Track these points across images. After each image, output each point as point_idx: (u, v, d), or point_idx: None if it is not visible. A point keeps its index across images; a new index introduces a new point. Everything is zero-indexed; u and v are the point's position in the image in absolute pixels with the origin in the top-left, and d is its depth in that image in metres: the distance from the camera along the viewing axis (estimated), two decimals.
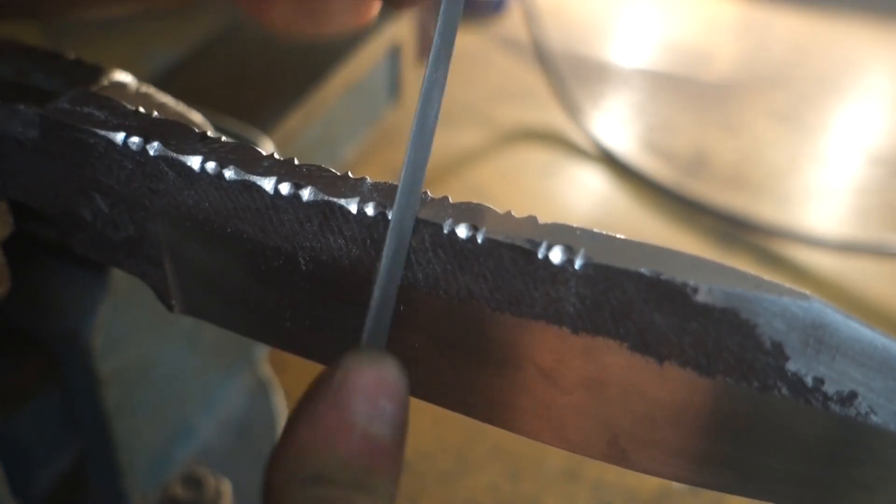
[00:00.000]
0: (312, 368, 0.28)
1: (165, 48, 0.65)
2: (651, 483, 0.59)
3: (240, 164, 0.25)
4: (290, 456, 0.21)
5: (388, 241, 0.23)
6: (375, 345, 0.23)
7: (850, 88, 1.09)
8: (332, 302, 0.25)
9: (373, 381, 0.22)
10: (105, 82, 0.31)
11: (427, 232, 0.23)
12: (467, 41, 1.05)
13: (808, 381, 0.20)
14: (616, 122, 0.98)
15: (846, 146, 0.97)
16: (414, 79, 0.83)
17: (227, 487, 0.50)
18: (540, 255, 0.22)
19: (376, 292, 0.23)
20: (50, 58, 0.32)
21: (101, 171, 0.27)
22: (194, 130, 0.26)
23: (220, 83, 0.63)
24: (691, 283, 0.20)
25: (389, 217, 0.23)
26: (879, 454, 0.20)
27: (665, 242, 0.21)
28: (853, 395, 0.20)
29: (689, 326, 0.21)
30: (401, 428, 0.22)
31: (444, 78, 0.24)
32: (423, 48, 0.31)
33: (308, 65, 0.68)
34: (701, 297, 0.20)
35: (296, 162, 0.25)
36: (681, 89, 1.05)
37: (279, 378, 0.58)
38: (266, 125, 0.58)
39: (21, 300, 0.33)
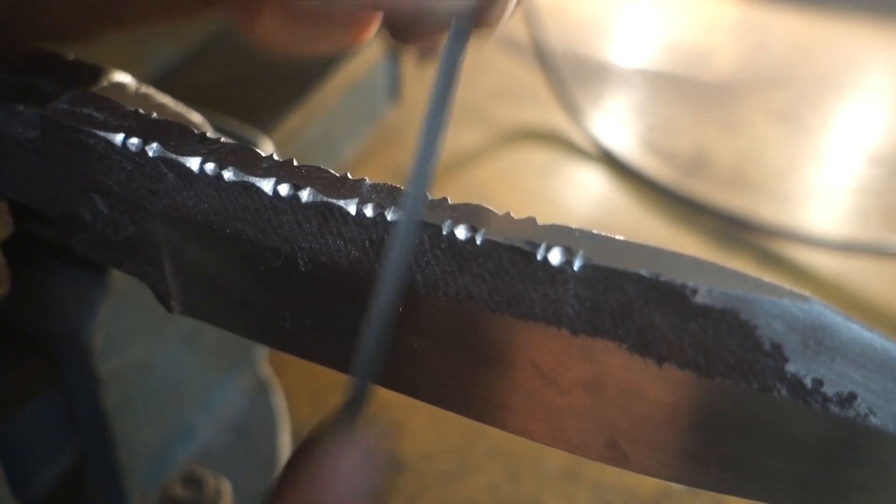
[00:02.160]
0: (312, 368, 0.28)
1: (165, 48, 0.65)
2: (651, 483, 0.59)
3: (239, 166, 0.25)
4: None
5: (383, 281, 0.22)
6: (359, 402, 0.23)
7: (850, 88, 1.09)
8: (331, 303, 0.25)
9: (357, 460, 0.21)
10: (104, 83, 0.31)
11: (426, 233, 0.23)
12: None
13: (808, 382, 0.20)
14: (616, 122, 0.98)
15: (846, 146, 0.97)
16: (414, 79, 0.83)
17: (227, 487, 0.50)
18: (539, 257, 0.22)
19: (371, 327, 0.22)
20: (49, 58, 0.32)
21: (100, 172, 0.27)
22: (194, 131, 0.26)
23: (220, 83, 0.63)
24: (691, 284, 0.20)
25: (388, 217, 0.23)
26: (879, 456, 0.20)
27: (665, 242, 0.21)
28: (852, 397, 0.20)
29: (688, 328, 0.21)
30: (384, 484, 0.22)
31: (453, 88, 0.24)
32: (423, 50, 0.31)
33: (308, 65, 0.68)
34: (700, 299, 0.20)
35: (295, 163, 0.25)
36: (681, 89, 1.05)
37: (279, 378, 0.58)
38: (266, 125, 0.58)
39: (21, 300, 0.33)
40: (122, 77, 0.32)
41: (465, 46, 0.24)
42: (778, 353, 0.20)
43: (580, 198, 0.89)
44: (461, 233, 0.22)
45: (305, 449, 0.22)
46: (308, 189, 0.24)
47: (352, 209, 0.24)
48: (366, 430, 0.22)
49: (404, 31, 0.26)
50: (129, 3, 0.28)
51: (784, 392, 0.20)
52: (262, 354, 0.57)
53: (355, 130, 0.77)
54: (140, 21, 0.31)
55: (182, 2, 0.28)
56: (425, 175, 0.23)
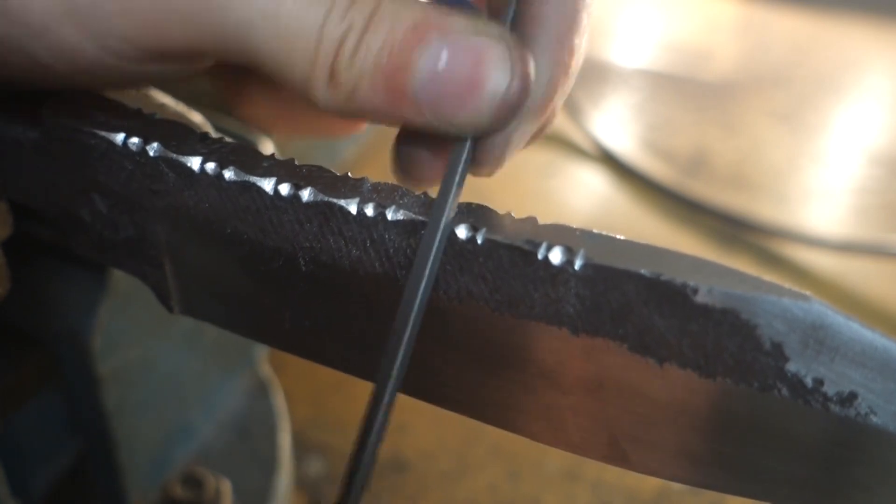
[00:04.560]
0: (312, 368, 0.28)
1: None
2: (651, 483, 0.59)
3: (239, 165, 0.25)
4: None
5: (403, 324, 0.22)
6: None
7: (850, 88, 1.09)
8: (331, 302, 0.25)
9: None
10: None
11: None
12: None
13: (808, 381, 0.20)
14: (616, 122, 0.98)
15: (846, 146, 0.97)
16: None
17: (227, 487, 0.50)
18: (539, 256, 0.22)
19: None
20: None
21: (101, 172, 0.27)
22: (194, 131, 0.26)
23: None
24: (691, 284, 0.20)
25: (388, 216, 0.23)
26: (879, 455, 0.20)
27: (665, 242, 0.21)
28: (853, 396, 0.20)
29: (688, 327, 0.21)
30: None
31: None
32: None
33: None
34: (701, 298, 0.20)
35: (296, 163, 0.25)
36: (681, 89, 1.05)
37: (279, 378, 0.58)
38: None
39: (21, 300, 0.33)
40: None
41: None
42: (778, 353, 0.20)
43: (580, 198, 0.89)
44: (462, 232, 0.22)
45: None
46: (309, 189, 0.24)
47: (353, 209, 0.24)
48: None
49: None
50: (127, 81, 0.28)
51: (784, 391, 0.20)
52: (262, 354, 0.57)
53: None
54: (136, 86, 0.31)
55: (170, 81, 0.28)
56: (453, 191, 0.23)
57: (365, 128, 0.34)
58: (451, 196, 0.23)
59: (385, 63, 0.23)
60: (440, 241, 0.22)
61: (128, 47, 0.24)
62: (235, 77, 0.32)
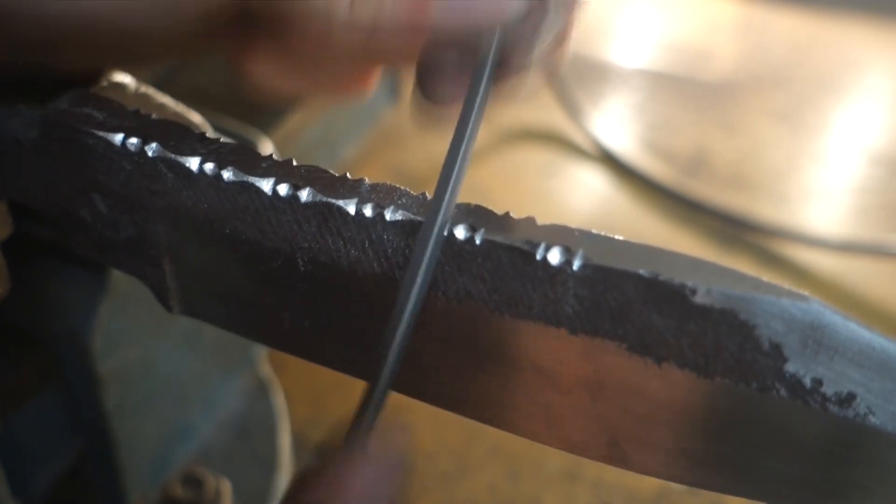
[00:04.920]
0: (312, 368, 0.28)
1: None
2: (651, 483, 0.59)
3: (238, 165, 0.25)
4: None
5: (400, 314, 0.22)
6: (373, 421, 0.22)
7: (850, 88, 1.09)
8: (330, 303, 0.25)
9: (372, 477, 0.21)
10: (104, 83, 0.31)
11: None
12: None
13: (807, 382, 0.20)
14: (616, 122, 0.98)
15: (846, 146, 0.97)
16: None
17: (227, 487, 0.50)
18: (538, 257, 0.22)
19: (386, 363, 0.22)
20: None
21: (100, 172, 0.27)
22: (193, 131, 0.26)
23: (220, 83, 0.63)
24: (690, 284, 0.20)
25: (387, 217, 0.23)
26: (878, 455, 0.20)
27: (665, 242, 0.21)
28: (851, 397, 0.20)
29: (687, 327, 0.21)
30: (405, 487, 0.21)
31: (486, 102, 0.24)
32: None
33: None
34: (699, 299, 0.20)
35: (294, 163, 0.25)
36: (681, 89, 1.05)
37: (279, 378, 0.58)
38: (266, 125, 0.58)
39: (21, 300, 0.33)
40: (122, 77, 0.32)
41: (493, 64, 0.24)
42: (777, 353, 0.20)
43: (580, 198, 0.89)
44: (461, 232, 0.23)
45: (316, 467, 0.21)
46: (307, 189, 0.24)
47: (351, 209, 0.24)
48: (380, 442, 0.22)
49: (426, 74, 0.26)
50: (134, 48, 0.28)
51: (783, 392, 0.20)
52: (262, 354, 0.57)
53: (355, 130, 0.77)
54: (142, 61, 0.31)
55: (181, 44, 0.28)
56: (451, 189, 0.23)
57: (373, 86, 0.33)
58: (472, 119, 0.23)
59: None
60: (460, 166, 0.23)
61: None
62: (244, 39, 0.32)
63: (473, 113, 0.23)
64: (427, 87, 0.27)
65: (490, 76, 0.24)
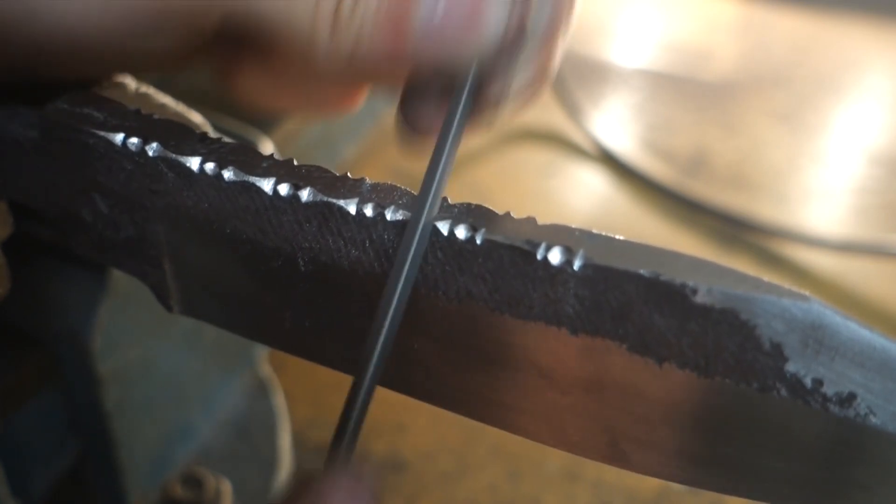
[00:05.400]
0: (312, 368, 0.28)
1: None
2: (651, 483, 0.59)
3: (239, 165, 0.25)
4: None
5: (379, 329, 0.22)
6: (352, 446, 0.23)
7: (850, 88, 1.09)
8: (331, 303, 0.25)
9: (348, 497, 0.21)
10: (105, 82, 0.31)
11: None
12: None
13: (807, 382, 0.20)
14: (616, 122, 0.98)
15: (846, 146, 0.97)
16: None
17: (227, 487, 0.50)
18: (539, 256, 0.22)
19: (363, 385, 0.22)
20: None
21: (100, 172, 0.27)
22: (194, 131, 0.26)
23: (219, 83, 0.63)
24: (690, 284, 0.20)
25: (387, 216, 0.23)
26: (878, 455, 0.20)
27: (665, 242, 0.21)
28: (852, 397, 0.20)
29: (688, 327, 0.21)
30: None
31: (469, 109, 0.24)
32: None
33: None
34: (700, 299, 0.20)
35: (295, 163, 0.25)
36: (681, 89, 1.05)
37: (279, 378, 0.58)
38: (266, 125, 0.58)
39: (21, 300, 0.33)
40: (122, 77, 0.32)
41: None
42: (778, 353, 0.20)
43: (580, 198, 0.89)
44: (461, 232, 0.22)
45: (297, 491, 0.22)
46: (308, 189, 0.24)
47: (352, 209, 0.24)
48: (355, 474, 0.22)
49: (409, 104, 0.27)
50: (121, 64, 0.28)
51: (784, 392, 0.20)
52: (262, 354, 0.57)
53: (355, 130, 0.77)
54: (135, 71, 0.32)
55: (168, 61, 0.28)
56: (439, 180, 0.23)
57: (360, 104, 0.33)
58: (451, 137, 0.23)
59: (386, 8, 0.23)
60: (442, 172, 0.23)
61: (130, 13, 0.24)
62: (229, 54, 0.32)
63: (448, 143, 0.24)
64: (409, 117, 0.28)
65: (467, 104, 0.24)
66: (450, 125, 0.24)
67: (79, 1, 0.24)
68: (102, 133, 0.26)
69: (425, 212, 0.23)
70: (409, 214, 0.23)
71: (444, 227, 0.23)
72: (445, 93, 0.26)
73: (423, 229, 0.23)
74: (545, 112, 0.97)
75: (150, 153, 0.25)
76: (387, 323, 0.22)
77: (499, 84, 0.26)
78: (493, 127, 0.27)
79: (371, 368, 0.22)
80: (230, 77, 0.32)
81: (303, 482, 0.22)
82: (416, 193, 0.24)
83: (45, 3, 0.24)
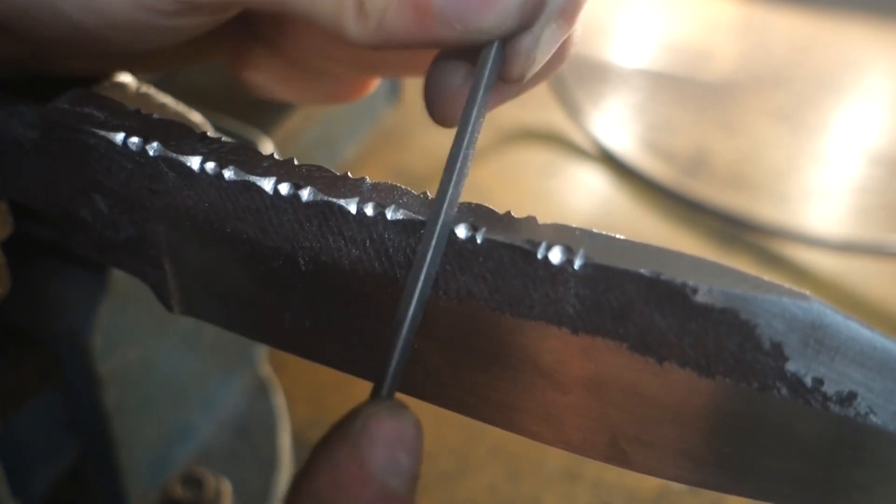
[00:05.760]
0: (312, 368, 0.28)
1: None
2: (651, 483, 0.59)
3: (239, 165, 0.25)
4: (306, 502, 0.21)
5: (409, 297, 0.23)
6: (393, 388, 0.23)
7: (850, 88, 1.09)
8: (331, 302, 0.25)
9: (393, 432, 0.22)
10: (105, 82, 0.31)
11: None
12: None
13: (808, 381, 0.20)
14: (616, 122, 0.98)
15: (846, 146, 0.97)
16: (414, 80, 0.83)
17: (227, 487, 0.50)
18: (539, 256, 0.22)
19: (398, 342, 0.23)
20: None
21: (100, 172, 0.27)
22: (194, 131, 0.26)
23: (220, 83, 0.63)
24: (691, 283, 0.20)
25: (388, 216, 0.23)
26: (878, 454, 0.20)
27: (665, 242, 0.21)
28: (852, 396, 0.20)
29: (688, 327, 0.21)
30: (414, 481, 0.22)
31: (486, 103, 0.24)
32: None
33: None
34: (701, 298, 0.20)
35: (295, 162, 0.25)
36: (681, 89, 1.05)
37: (279, 378, 0.58)
38: (266, 125, 0.58)
39: (21, 300, 0.33)
40: (123, 77, 0.32)
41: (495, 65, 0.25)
42: (778, 352, 0.20)
43: (580, 198, 0.89)
44: (462, 232, 0.22)
45: (343, 423, 0.22)
46: (308, 188, 0.24)
47: (352, 208, 0.24)
48: (403, 411, 0.22)
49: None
50: (140, 55, 0.29)
51: (784, 391, 0.20)
52: (262, 354, 0.57)
53: (355, 130, 0.77)
54: (146, 67, 0.32)
55: (182, 54, 0.28)
56: (466, 146, 0.23)
57: (369, 90, 0.34)
58: (475, 112, 0.23)
59: None
60: (468, 141, 0.23)
61: None
62: (242, 44, 0.32)
63: (471, 123, 0.24)
64: (436, 110, 0.28)
65: (489, 80, 0.24)
66: (473, 101, 0.24)
67: None
68: (103, 133, 0.26)
69: (451, 185, 0.23)
70: (409, 214, 0.23)
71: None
72: (470, 71, 0.26)
73: (449, 202, 0.23)
74: (545, 112, 0.97)
75: (151, 153, 0.25)
76: (429, 254, 0.22)
77: (521, 58, 0.25)
78: (525, 80, 0.27)
79: (412, 306, 0.22)
80: (241, 69, 0.32)
81: (347, 418, 0.22)
82: (415, 193, 0.24)
83: None
